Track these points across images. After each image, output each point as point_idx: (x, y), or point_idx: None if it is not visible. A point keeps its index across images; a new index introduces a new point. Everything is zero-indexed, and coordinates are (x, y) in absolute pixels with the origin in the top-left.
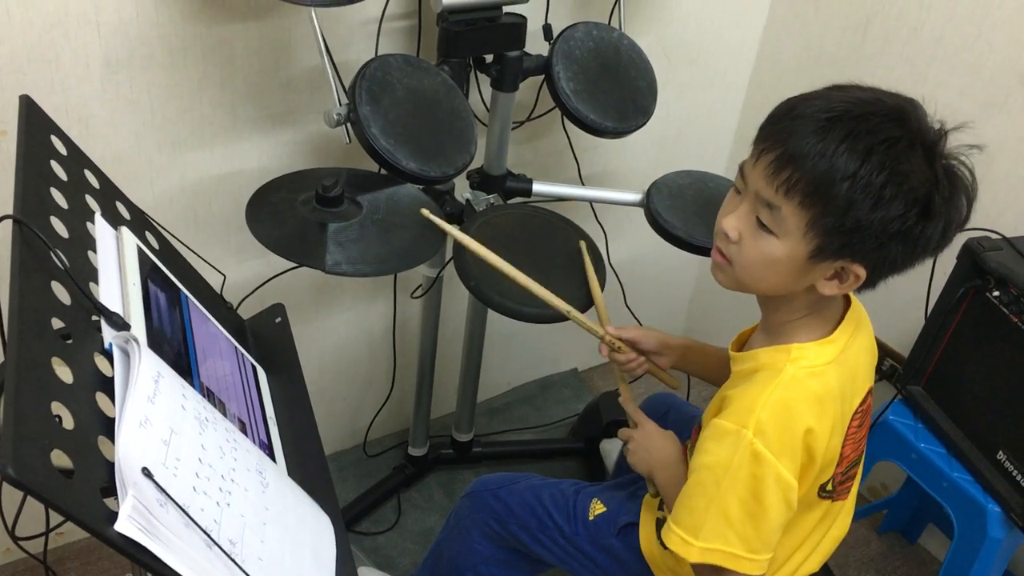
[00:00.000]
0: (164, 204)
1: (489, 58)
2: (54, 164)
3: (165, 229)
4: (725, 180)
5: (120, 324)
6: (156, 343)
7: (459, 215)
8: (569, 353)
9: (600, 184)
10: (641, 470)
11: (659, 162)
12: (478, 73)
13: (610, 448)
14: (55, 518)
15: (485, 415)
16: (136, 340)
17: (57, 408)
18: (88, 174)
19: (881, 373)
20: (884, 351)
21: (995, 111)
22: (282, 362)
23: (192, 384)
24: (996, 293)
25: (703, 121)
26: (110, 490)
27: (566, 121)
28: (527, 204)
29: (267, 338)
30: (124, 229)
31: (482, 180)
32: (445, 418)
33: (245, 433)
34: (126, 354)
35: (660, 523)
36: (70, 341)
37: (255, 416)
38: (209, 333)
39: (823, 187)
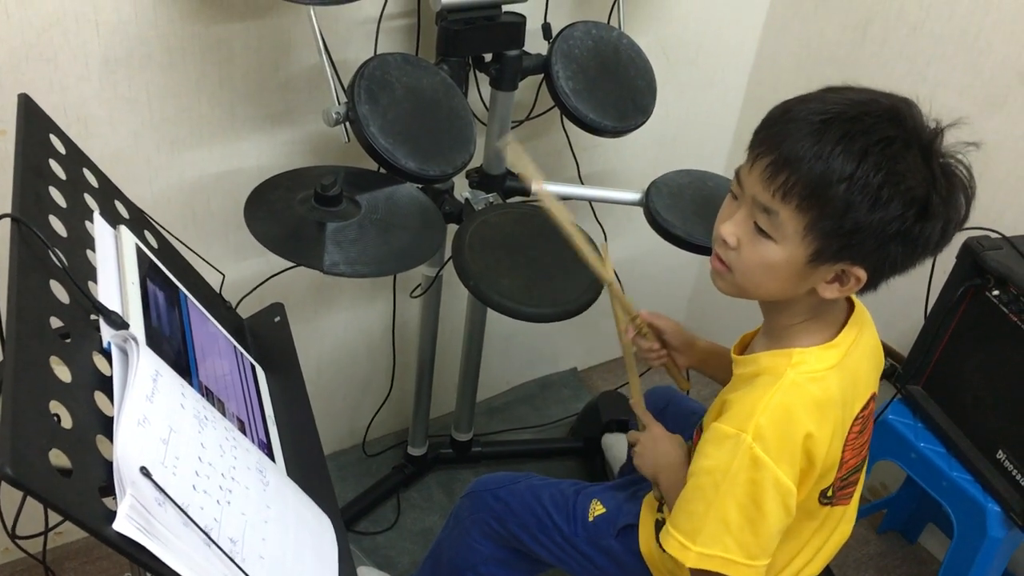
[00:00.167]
0: (163, 203)
1: (488, 57)
2: (52, 163)
3: (164, 228)
4: (724, 179)
5: (119, 323)
6: (155, 342)
7: (458, 214)
8: (568, 353)
9: (599, 183)
10: (646, 473)
11: (658, 161)
12: (477, 72)
13: (612, 443)
14: (54, 517)
15: (484, 415)
16: (135, 339)
17: (55, 407)
18: (87, 173)
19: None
20: (884, 350)
21: (995, 110)
22: (281, 361)
23: (191, 383)
24: (996, 292)
25: (702, 120)
26: (108, 489)
27: (565, 120)
28: (526, 203)
29: (266, 337)
30: (123, 228)
31: (481, 179)
32: (444, 418)
33: (244, 432)
34: (125, 353)
35: (660, 525)
36: (68, 340)
37: (254, 415)
38: (208, 332)
39: (820, 190)
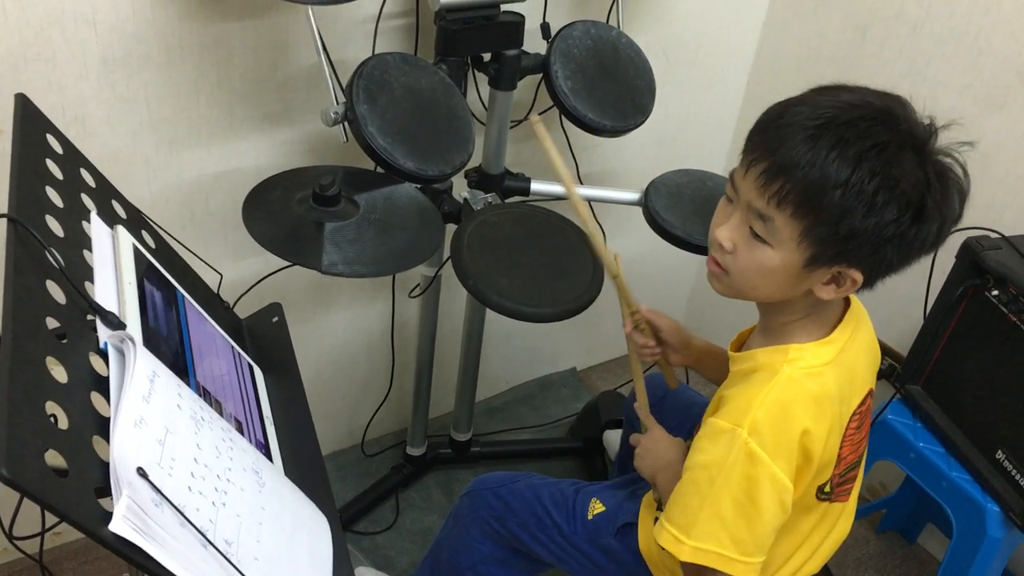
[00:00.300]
0: (161, 203)
1: (487, 57)
2: (49, 163)
3: (161, 228)
4: (723, 179)
5: (115, 323)
6: (152, 343)
7: (457, 214)
8: (568, 352)
9: (598, 183)
10: (645, 474)
11: (657, 161)
12: (476, 72)
13: (613, 439)
14: (51, 518)
15: (483, 414)
16: (131, 339)
17: (52, 408)
18: (84, 173)
19: (880, 372)
20: (883, 350)
21: (994, 110)
22: (279, 361)
23: (188, 384)
24: (995, 292)
25: (701, 120)
26: (105, 490)
27: (564, 120)
28: (525, 203)
29: (264, 337)
30: (120, 228)
31: (480, 179)
32: (443, 417)
33: (241, 433)
34: (121, 353)
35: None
36: (65, 340)
37: (252, 416)
38: (206, 332)
39: (815, 197)
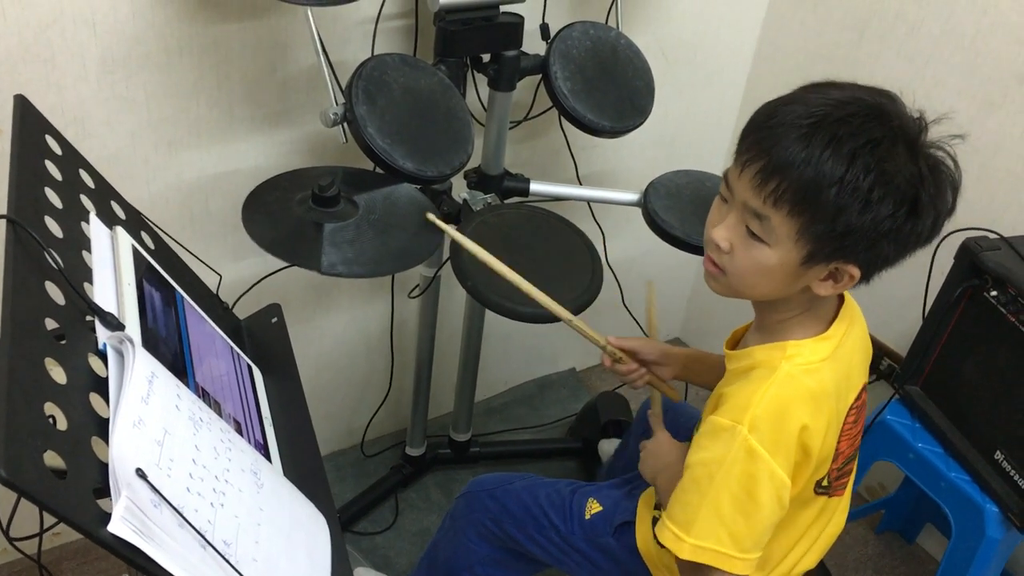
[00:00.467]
0: (160, 204)
1: (486, 57)
2: (48, 164)
3: (161, 229)
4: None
5: (114, 324)
6: (151, 343)
7: (456, 215)
8: (567, 353)
9: (598, 184)
10: (647, 477)
11: (657, 162)
12: (475, 72)
13: (608, 448)
14: (50, 519)
15: (483, 415)
16: (130, 340)
17: (50, 409)
18: (83, 174)
19: (879, 373)
20: (882, 351)
21: (993, 110)
22: (278, 362)
23: (187, 385)
24: (994, 293)
25: (701, 120)
26: (104, 491)
27: (563, 120)
28: (524, 204)
29: (263, 338)
30: (119, 229)
31: (479, 180)
32: (443, 418)
33: (240, 434)
34: (120, 354)
35: (656, 522)
36: (64, 341)
37: (251, 416)
38: (205, 333)
39: (811, 195)
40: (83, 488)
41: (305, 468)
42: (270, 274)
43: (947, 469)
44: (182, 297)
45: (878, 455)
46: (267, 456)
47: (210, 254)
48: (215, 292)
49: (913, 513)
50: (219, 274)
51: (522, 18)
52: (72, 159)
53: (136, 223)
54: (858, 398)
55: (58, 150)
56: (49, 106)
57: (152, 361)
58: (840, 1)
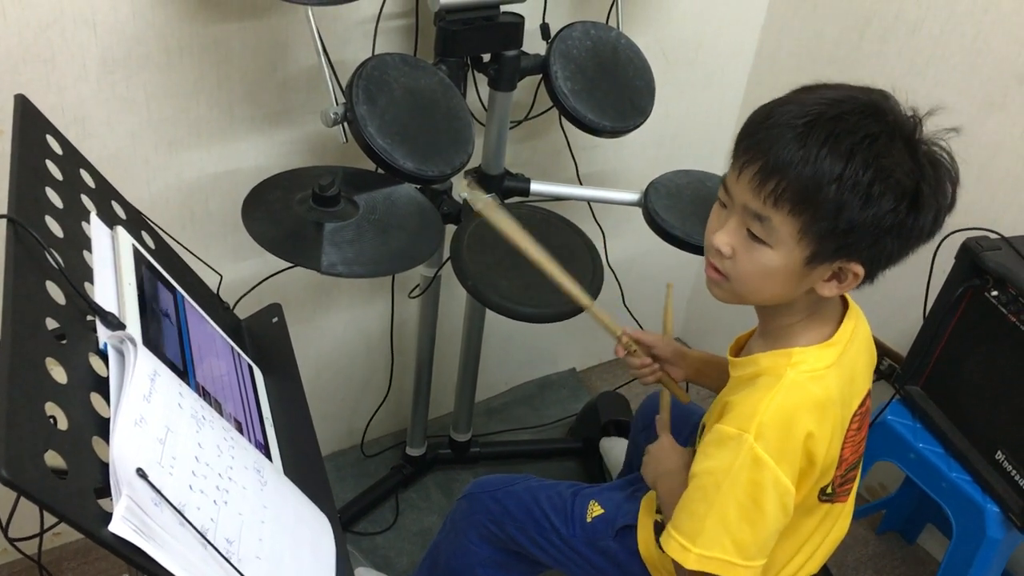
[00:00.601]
0: (160, 203)
1: (486, 57)
2: (49, 164)
3: (161, 229)
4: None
5: (115, 324)
6: (152, 343)
7: (456, 214)
8: (567, 353)
9: (598, 184)
10: (648, 480)
11: (657, 161)
12: (475, 72)
13: (609, 447)
14: (50, 518)
15: (483, 415)
16: (131, 340)
17: (51, 409)
18: (83, 174)
19: (879, 373)
20: (882, 351)
21: (993, 110)
22: (279, 362)
23: (188, 384)
24: (995, 293)
25: (701, 120)
26: (104, 491)
27: (564, 120)
28: (525, 204)
29: (264, 338)
30: (120, 229)
31: (480, 179)
32: (443, 418)
33: (241, 433)
34: (121, 354)
35: (658, 526)
36: (64, 341)
37: (251, 416)
38: (205, 333)
39: (811, 193)
40: (84, 488)
41: (305, 468)
42: (271, 275)
43: (948, 469)
44: (183, 297)
45: (879, 455)
46: (268, 456)
47: (210, 254)
48: (216, 292)
49: (914, 513)
50: (220, 274)
51: (522, 18)
52: (73, 159)
53: (137, 223)
54: (862, 405)
55: (59, 150)
56: (49, 106)
57: (154, 360)
58: (840, 1)
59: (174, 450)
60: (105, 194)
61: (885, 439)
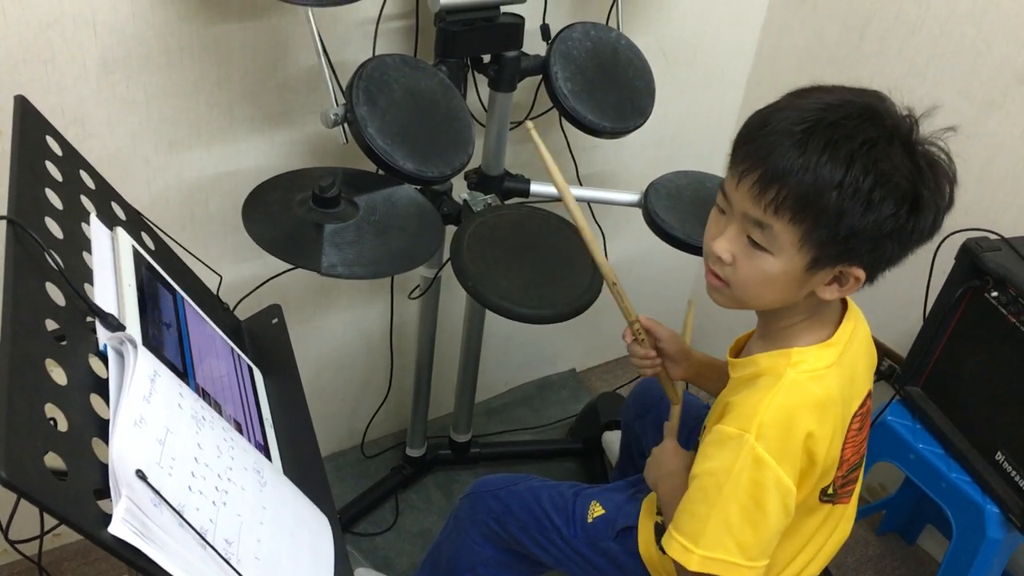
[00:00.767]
0: (160, 204)
1: (487, 58)
2: (49, 165)
3: (161, 230)
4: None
5: (115, 325)
6: (151, 344)
7: (456, 215)
8: (567, 353)
9: (598, 184)
10: (649, 481)
11: (657, 162)
12: (476, 73)
13: (612, 440)
14: (50, 520)
15: (483, 416)
16: (131, 341)
17: (51, 410)
18: (83, 175)
19: (879, 373)
20: (882, 351)
21: (993, 110)
22: (279, 363)
23: (188, 385)
24: (995, 294)
25: (701, 121)
26: (104, 492)
27: (564, 121)
28: (525, 204)
29: (264, 339)
30: (119, 230)
31: (480, 180)
32: (443, 419)
33: (241, 434)
34: (120, 355)
35: (659, 527)
36: (64, 343)
37: (251, 417)
38: (205, 334)
39: (812, 200)
40: (83, 489)
41: (305, 469)
42: (271, 277)
43: (948, 470)
44: (182, 298)
45: (879, 456)
46: (267, 457)
47: (210, 255)
48: (216, 293)
49: (914, 514)
50: (219, 275)
51: (523, 19)
52: (72, 160)
53: (136, 224)
54: (862, 405)
55: (58, 151)
56: (49, 107)
57: (154, 360)
58: (840, 1)
59: (174, 451)
60: (105, 195)
61: (885, 440)
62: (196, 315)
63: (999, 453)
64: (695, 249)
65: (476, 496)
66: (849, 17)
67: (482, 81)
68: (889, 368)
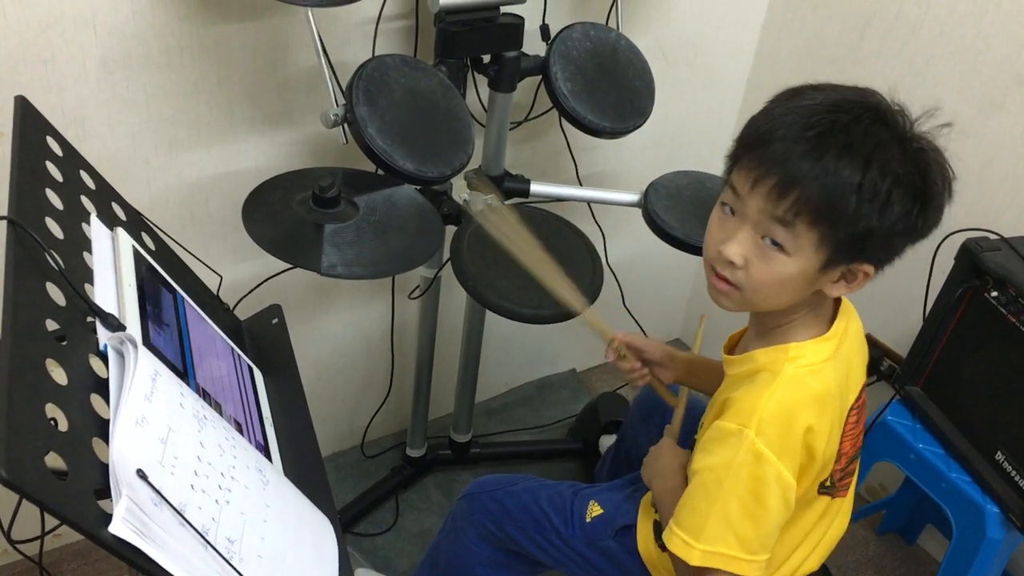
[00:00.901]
0: (160, 204)
1: (486, 58)
2: (49, 165)
3: (161, 230)
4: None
5: (115, 325)
6: (152, 344)
7: (456, 216)
8: (567, 354)
9: (598, 184)
10: (645, 478)
11: (657, 162)
12: (475, 73)
13: (609, 444)
14: (51, 520)
15: (483, 416)
16: (132, 341)
17: (52, 410)
18: (84, 175)
19: (879, 373)
20: (883, 351)
21: (993, 111)
22: (279, 363)
23: (188, 385)
24: (994, 293)
25: (701, 121)
26: (105, 492)
27: (564, 121)
28: (525, 205)
29: (264, 339)
30: (120, 230)
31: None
32: (443, 419)
33: (241, 434)
34: (121, 355)
35: (657, 525)
36: (65, 343)
37: (251, 417)
38: (205, 334)
39: (831, 204)
40: (84, 489)
41: (305, 469)
42: (271, 277)
43: (948, 470)
44: (183, 298)
45: (879, 456)
46: (268, 457)
47: (210, 255)
48: (216, 293)
49: (914, 514)
50: (220, 275)
51: (522, 19)
52: (73, 160)
53: (137, 224)
54: (858, 398)
55: (59, 151)
56: (49, 107)
57: (155, 360)
58: (840, 1)
59: (176, 449)
60: (105, 195)
61: (885, 440)
62: (196, 315)
63: (999, 453)
64: (695, 249)
65: (473, 497)
66: (849, 17)
67: (482, 81)
68: (889, 368)
